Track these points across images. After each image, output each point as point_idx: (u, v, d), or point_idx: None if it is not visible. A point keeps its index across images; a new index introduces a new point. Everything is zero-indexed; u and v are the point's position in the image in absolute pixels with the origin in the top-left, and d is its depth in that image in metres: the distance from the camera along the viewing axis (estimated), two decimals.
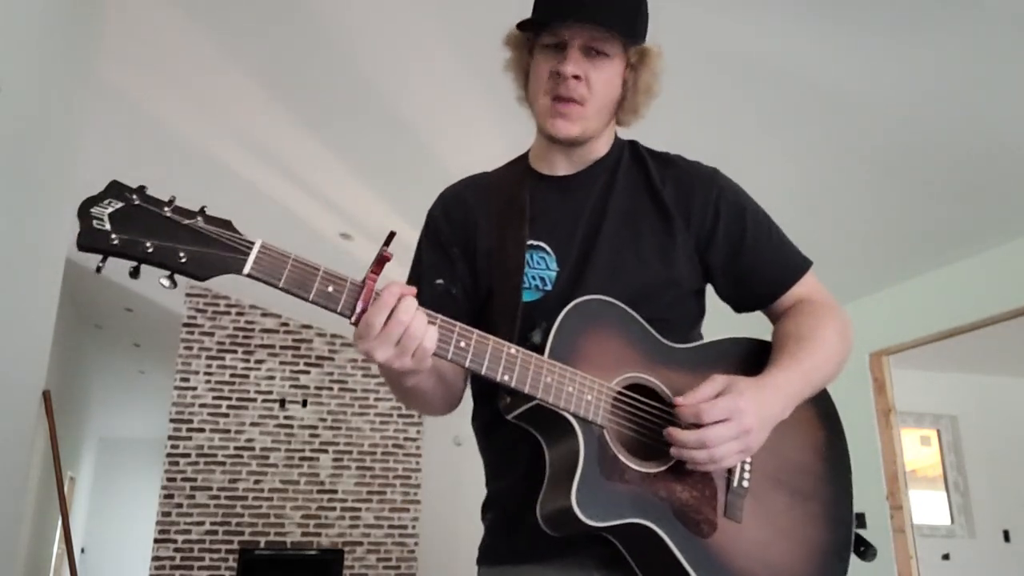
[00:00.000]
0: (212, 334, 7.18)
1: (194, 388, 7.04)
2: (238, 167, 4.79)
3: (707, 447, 0.98)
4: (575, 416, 1.00)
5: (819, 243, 5.15)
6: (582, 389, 1.01)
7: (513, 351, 0.99)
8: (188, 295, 7.18)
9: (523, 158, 1.28)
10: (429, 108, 3.93)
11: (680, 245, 1.17)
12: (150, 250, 0.85)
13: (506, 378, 0.98)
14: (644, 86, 1.18)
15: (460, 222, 1.22)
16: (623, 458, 1.01)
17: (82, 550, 10.98)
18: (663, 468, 1.02)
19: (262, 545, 6.84)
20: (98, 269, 0.87)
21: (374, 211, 5.01)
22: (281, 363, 7.28)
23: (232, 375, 7.15)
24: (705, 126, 3.62)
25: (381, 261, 0.94)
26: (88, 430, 11.63)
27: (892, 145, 3.55)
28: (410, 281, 1.22)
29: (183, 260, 0.87)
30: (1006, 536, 6.68)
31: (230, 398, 7.10)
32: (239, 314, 7.29)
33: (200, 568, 6.67)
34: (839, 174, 3.84)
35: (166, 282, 0.89)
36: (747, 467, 1.07)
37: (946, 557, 6.42)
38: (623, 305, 1.08)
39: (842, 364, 1.17)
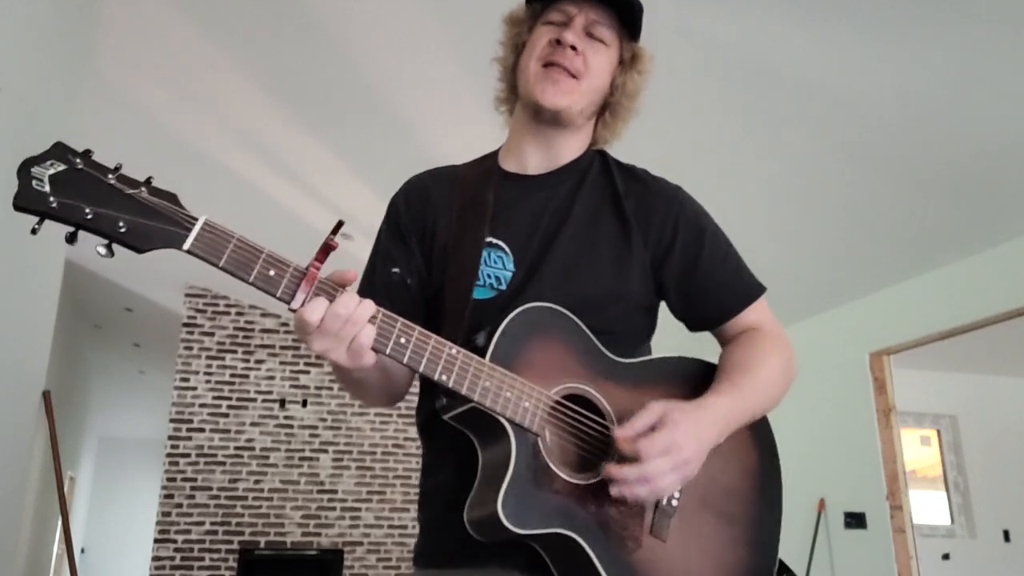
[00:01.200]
0: (212, 334, 7.18)
1: (194, 388, 7.03)
2: (238, 167, 4.79)
3: (648, 482, 0.97)
4: (510, 422, 0.99)
5: (818, 243, 5.17)
6: (520, 395, 0.99)
7: (454, 352, 0.98)
8: (188, 295, 7.18)
9: (492, 155, 1.27)
10: (430, 108, 3.93)
11: (636, 259, 1.16)
12: (89, 216, 0.84)
13: (444, 378, 0.97)
14: (632, 89, 1.20)
15: (420, 212, 1.21)
16: (554, 467, 1.00)
17: (82, 550, 10.99)
18: (593, 480, 1.01)
19: (262, 545, 6.84)
20: (33, 231, 0.85)
21: (374, 211, 5.00)
22: (281, 363, 7.28)
23: (232, 375, 7.15)
24: (703, 126, 3.62)
25: (326, 249, 0.93)
26: (88, 430, 11.63)
27: (891, 145, 3.55)
28: (368, 265, 1.21)
29: (122, 230, 0.85)
30: (1006, 536, 6.68)
31: (230, 398, 7.09)
32: (239, 314, 7.29)
33: (200, 568, 6.67)
34: (838, 174, 3.84)
35: (102, 250, 0.86)
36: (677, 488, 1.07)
37: (946, 557, 6.42)
38: (570, 315, 1.07)
39: (782, 396, 1.16)
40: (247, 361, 7.20)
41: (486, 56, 1.30)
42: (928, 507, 6.63)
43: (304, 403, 7.25)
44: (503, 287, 1.13)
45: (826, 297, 5.28)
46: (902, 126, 3.42)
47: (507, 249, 1.15)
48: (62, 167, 0.84)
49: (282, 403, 7.20)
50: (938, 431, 6.92)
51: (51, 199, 0.82)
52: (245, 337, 7.25)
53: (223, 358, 7.16)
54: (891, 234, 4.33)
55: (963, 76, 3.07)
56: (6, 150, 2.07)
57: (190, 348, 7.11)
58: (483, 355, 1.00)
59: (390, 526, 7.18)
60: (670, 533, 1.05)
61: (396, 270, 1.17)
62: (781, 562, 1.13)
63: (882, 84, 3.18)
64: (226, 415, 7.04)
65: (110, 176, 0.86)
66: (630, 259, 1.16)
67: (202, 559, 6.69)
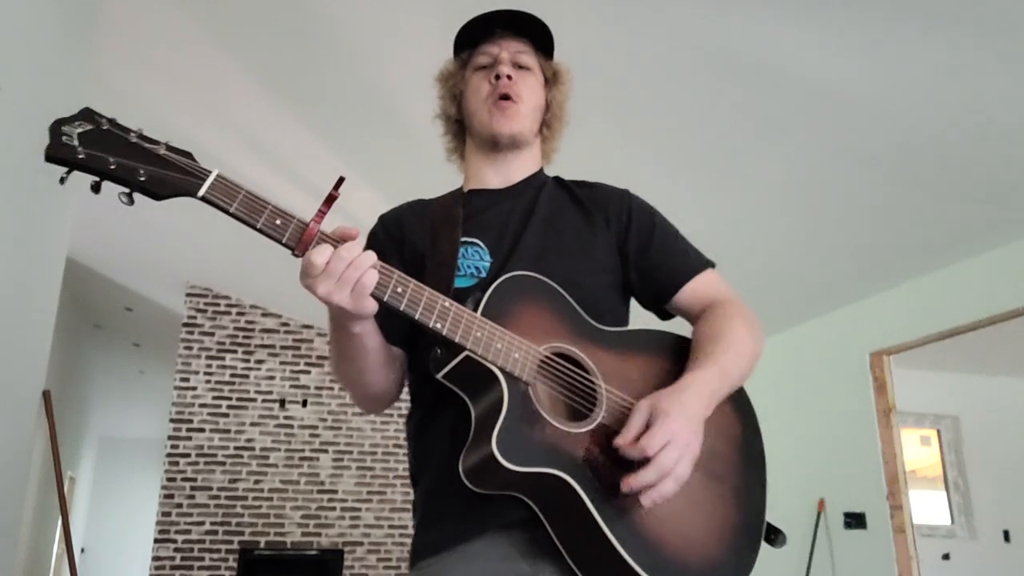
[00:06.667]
0: (212, 334, 7.18)
1: (194, 388, 7.03)
2: (239, 167, 4.79)
3: (668, 476, 1.01)
4: (502, 370, 1.04)
5: (819, 244, 5.16)
6: (510, 347, 1.06)
7: (447, 303, 1.04)
8: (188, 295, 7.18)
9: (458, 189, 1.39)
10: (430, 108, 3.93)
11: (601, 238, 1.28)
12: (113, 166, 0.93)
13: (438, 326, 1.03)
14: (560, 100, 1.39)
15: (396, 232, 1.33)
16: (546, 415, 1.05)
17: (82, 550, 10.99)
18: (584, 430, 1.06)
19: (262, 545, 6.84)
20: (62, 180, 0.93)
21: (375, 211, 5.01)
22: (281, 363, 7.28)
23: (232, 375, 7.15)
24: (704, 127, 3.62)
25: (329, 200, 1.01)
26: (88, 430, 11.63)
27: (892, 145, 3.56)
28: None
29: (143, 178, 0.94)
30: (1006, 536, 6.68)
31: (230, 398, 7.09)
32: (239, 314, 7.29)
33: (200, 568, 6.67)
34: (839, 175, 3.84)
35: (124, 198, 0.95)
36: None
37: (946, 557, 6.42)
38: (554, 284, 1.15)
39: (755, 359, 1.23)
40: (247, 361, 7.20)
41: None
42: (928, 507, 6.63)
43: (304, 403, 7.25)
44: (483, 275, 1.21)
45: (826, 298, 5.28)
46: (903, 128, 3.42)
47: (482, 244, 1.25)
48: (90, 126, 0.94)
49: (282, 403, 7.20)
50: (938, 431, 6.92)
51: (79, 150, 0.92)
52: (245, 337, 7.25)
53: (223, 358, 7.16)
54: (892, 235, 4.33)
55: (963, 77, 3.07)
56: (7, 150, 2.07)
57: (190, 348, 7.11)
58: None
59: (390, 526, 7.18)
60: None
61: None
62: (769, 524, 1.16)
63: (883, 85, 3.18)
64: (226, 415, 7.04)
65: (132, 135, 0.96)
66: (594, 237, 1.28)
67: (202, 559, 6.69)
